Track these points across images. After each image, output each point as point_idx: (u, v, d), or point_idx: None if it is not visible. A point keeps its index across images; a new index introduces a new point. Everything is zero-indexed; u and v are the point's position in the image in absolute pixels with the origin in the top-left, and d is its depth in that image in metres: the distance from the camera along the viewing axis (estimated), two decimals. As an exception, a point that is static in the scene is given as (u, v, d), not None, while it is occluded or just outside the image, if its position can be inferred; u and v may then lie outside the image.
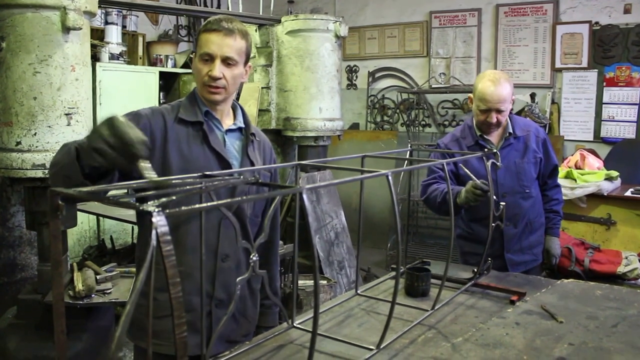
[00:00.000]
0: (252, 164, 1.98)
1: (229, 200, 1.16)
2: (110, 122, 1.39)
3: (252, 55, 4.90)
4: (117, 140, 1.36)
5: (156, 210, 0.88)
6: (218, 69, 1.87)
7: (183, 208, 0.98)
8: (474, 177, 2.47)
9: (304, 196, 1.17)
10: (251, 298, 2.06)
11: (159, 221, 0.88)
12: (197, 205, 1.04)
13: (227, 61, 1.88)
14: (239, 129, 2.04)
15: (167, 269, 0.87)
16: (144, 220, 1.99)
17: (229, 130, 2.02)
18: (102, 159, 1.38)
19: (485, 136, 2.97)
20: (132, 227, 5.14)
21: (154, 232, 0.87)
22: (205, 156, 1.89)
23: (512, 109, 2.97)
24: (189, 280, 1.82)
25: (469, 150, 2.91)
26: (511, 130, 2.95)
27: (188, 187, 1.27)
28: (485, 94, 2.79)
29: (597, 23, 5.97)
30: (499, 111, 2.81)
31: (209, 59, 1.88)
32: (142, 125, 1.84)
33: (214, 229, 1.88)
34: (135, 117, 1.87)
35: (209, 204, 1.07)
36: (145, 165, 1.36)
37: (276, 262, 2.20)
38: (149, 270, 0.87)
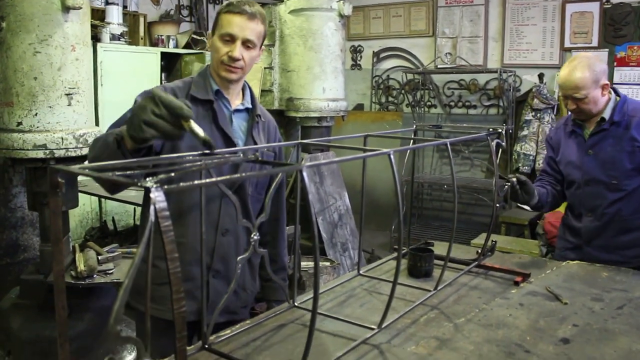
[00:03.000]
0: (256, 145, 2.02)
1: (227, 177, 1.15)
2: (152, 95, 1.45)
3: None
4: (164, 109, 1.41)
5: (154, 186, 0.87)
6: (239, 50, 1.93)
7: (182, 184, 0.97)
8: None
9: (305, 174, 1.15)
10: (250, 272, 2.13)
11: (157, 197, 0.87)
12: (195, 182, 1.03)
13: (247, 44, 1.95)
14: (246, 110, 2.09)
15: (166, 245, 0.86)
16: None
17: (236, 111, 2.07)
18: (153, 130, 1.43)
19: (580, 122, 2.81)
20: (134, 208, 5.15)
21: (152, 207, 0.86)
22: (212, 135, 1.91)
23: (613, 92, 2.75)
24: (190, 252, 1.91)
25: (567, 135, 2.84)
26: (606, 116, 2.71)
27: (188, 164, 1.26)
28: (560, 78, 2.69)
29: (608, 1, 5.86)
30: (575, 98, 2.65)
31: (230, 39, 1.94)
32: None
33: (216, 205, 1.94)
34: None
35: (207, 180, 1.06)
36: (193, 125, 1.42)
37: (283, 239, 2.26)
38: (147, 245, 0.86)
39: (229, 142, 1.97)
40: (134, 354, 3.22)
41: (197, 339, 1.61)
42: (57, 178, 1.07)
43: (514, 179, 2.53)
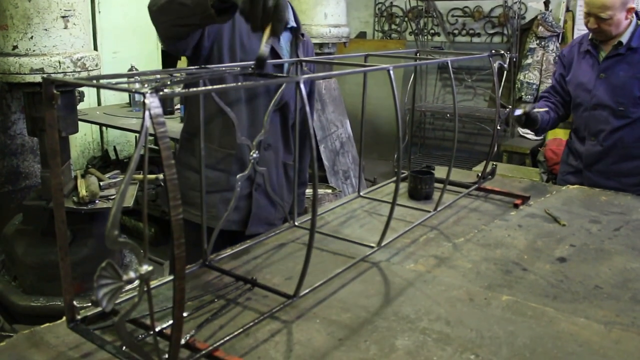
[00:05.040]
0: None
1: (223, 85, 1.14)
2: None
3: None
4: (272, 2, 1.31)
5: (149, 92, 0.86)
6: None
7: (177, 90, 0.96)
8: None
9: (302, 86, 1.13)
10: (287, 185, 2.21)
11: (152, 102, 0.86)
12: (192, 89, 1.03)
13: None
14: (291, 28, 2.14)
15: (162, 151, 0.85)
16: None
17: None
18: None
19: (597, 43, 2.77)
20: (135, 137, 5.14)
21: (146, 112, 0.85)
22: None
23: (635, 16, 2.69)
24: (237, 163, 2.01)
25: (581, 55, 2.80)
26: (624, 40, 2.67)
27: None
28: None
29: None
30: (599, 18, 2.61)
31: None
32: None
33: (260, 121, 1.98)
34: None
35: (205, 87, 1.06)
36: (269, 39, 1.32)
37: (308, 155, 2.27)
38: (143, 148, 0.85)
39: (276, 57, 2.00)
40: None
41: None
42: (52, 90, 1.05)
43: (522, 114, 2.59)
